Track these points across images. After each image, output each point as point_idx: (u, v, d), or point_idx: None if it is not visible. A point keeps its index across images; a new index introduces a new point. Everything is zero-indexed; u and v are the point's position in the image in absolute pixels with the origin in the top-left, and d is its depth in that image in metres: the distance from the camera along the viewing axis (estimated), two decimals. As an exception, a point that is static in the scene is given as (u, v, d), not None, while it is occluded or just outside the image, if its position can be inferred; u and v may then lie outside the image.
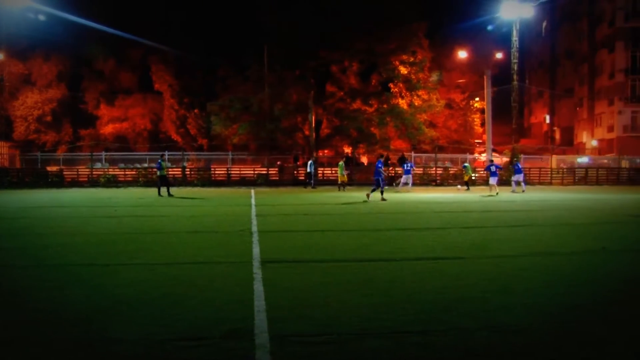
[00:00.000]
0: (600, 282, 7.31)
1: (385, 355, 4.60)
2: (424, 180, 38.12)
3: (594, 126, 63.53)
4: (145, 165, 38.76)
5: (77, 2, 45.77)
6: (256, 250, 9.64)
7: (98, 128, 60.25)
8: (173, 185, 34.62)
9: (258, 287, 6.83)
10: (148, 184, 34.78)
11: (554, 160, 44.98)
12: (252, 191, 29.88)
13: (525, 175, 31.28)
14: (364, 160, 45.55)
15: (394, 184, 32.06)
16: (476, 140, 62.24)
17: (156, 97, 60.26)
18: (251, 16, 43.20)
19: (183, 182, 35.64)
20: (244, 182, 36.69)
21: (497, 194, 26.54)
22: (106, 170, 37.07)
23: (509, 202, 22.30)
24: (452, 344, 4.83)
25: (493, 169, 28.40)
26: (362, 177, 37.90)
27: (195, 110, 56.91)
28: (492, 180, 28.06)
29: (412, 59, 42.26)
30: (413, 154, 43.70)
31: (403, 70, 42.08)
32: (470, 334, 5.09)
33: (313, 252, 9.59)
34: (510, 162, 38.75)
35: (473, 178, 32.68)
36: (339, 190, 30.18)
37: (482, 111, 52.77)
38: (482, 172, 38.35)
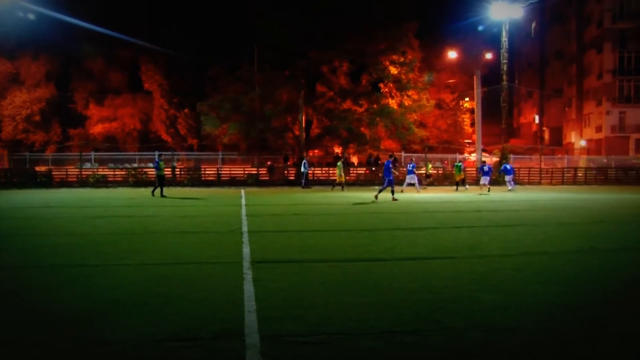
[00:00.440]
0: (589, 281, 7.36)
1: (376, 355, 4.61)
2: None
3: (582, 126, 63.97)
4: (135, 165, 38.60)
5: (66, 1, 45.55)
6: (246, 250, 9.63)
7: (87, 128, 59.99)
8: (164, 185, 34.58)
9: (248, 287, 6.83)
10: (138, 184, 34.62)
11: (584, 160, 45.55)
12: (243, 191, 29.82)
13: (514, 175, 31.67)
14: (354, 160, 45.57)
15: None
16: (466, 140, 62.45)
17: (146, 97, 60.05)
18: (242, 16, 43.15)
19: (173, 182, 35.49)
20: (234, 182, 36.60)
21: (488, 191, 27.95)
22: (95, 170, 36.85)
23: (499, 202, 22.40)
24: (444, 344, 4.84)
25: (486, 169, 29.81)
26: (350, 178, 38.01)
27: (185, 110, 56.76)
28: (484, 180, 29.27)
29: (402, 59, 42.33)
30: (403, 154, 43.76)
31: (393, 70, 42.14)
32: (461, 333, 5.11)
33: (303, 252, 9.59)
34: (500, 163, 38.91)
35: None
36: (341, 190, 30.27)
37: (472, 111, 52.93)
38: (470, 171, 38.52)
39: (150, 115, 60.71)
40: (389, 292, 6.65)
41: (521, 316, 5.66)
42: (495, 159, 42.73)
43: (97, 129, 59.42)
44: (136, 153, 45.22)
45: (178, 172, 37.00)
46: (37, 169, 37.69)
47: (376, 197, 22.42)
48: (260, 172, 38.22)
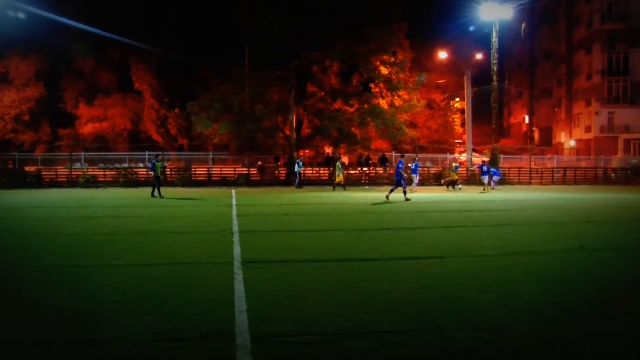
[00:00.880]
0: (579, 281, 7.42)
1: (366, 354, 4.63)
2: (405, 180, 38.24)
3: (572, 126, 64.34)
4: (125, 165, 38.44)
5: (55, 0, 45.25)
6: (237, 250, 9.63)
7: (77, 128, 59.65)
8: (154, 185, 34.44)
9: (239, 287, 6.83)
10: (128, 184, 34.50)
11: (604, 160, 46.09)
12: (233, 191, 29.79)
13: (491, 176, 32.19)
14: (345, 160, 45.59)
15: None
16: (456, 140, 62.66)
17: (136, 96, 59.82)
18: (232, 16, 43.00)
19: (164, 182, 35.35)
20: (225, 182, 36.54)
21: (484, 190, 29.47)
22: (85, 170, 36.65)
23: (489, 201, 22.49)
24: (433, 343, 4.87)
25: (485, 168, 31.43)
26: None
27: (176, 110, 56.56)
28: (484, 179, 30.73)
29: (392, 59, 42.36)
30: (394, 154, 43.84)
31: (384, 70, 42.17)
32: (451, 333, 5.14)
33: (294, 252, 9.60)
34: (490, 163, 39.09)
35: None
36: (342, 189, 30.32)
37: (462, 111, 53.15)
38: (461, 172, 38.67)
39: (141, 115, 60.48)
40: (379, 291, 6.67)
41: (511, 315, 5.70)
42: (485, 158, 42.91)
43: (87, 128, 59.11)
44: (126, 153, 45.03)
45: (169, 172, 36.86)
46: (27, 169, 37.45)
47: (387, 197, 22.25)
48: (250, 172, 38.18)
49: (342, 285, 7.01)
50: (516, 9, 44.10)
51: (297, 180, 33.82)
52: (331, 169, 39.08)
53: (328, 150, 44.85)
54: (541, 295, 6.52)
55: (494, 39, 41.09)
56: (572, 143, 62.79)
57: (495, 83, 42.09)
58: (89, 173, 35.89)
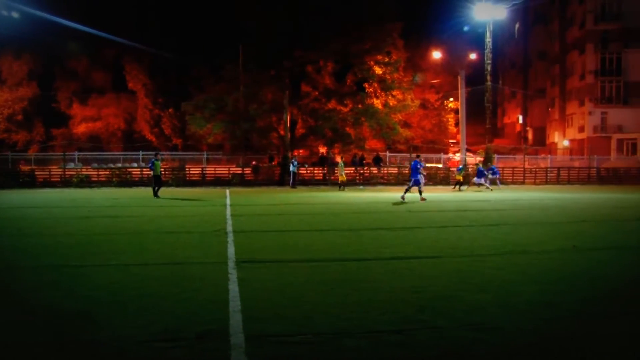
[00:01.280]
0: (571, 280, 7.43)
1: (361, 354, 4.62)
2: (399, 180, 38.33)
3: (565, 126, 64.56)
4: (119, 165, 38.33)
5: (49, 0, 45.07)
6: (231, 250, 9.61)
7: (71, 127, 59.52)
8: (147, 185, 34.31)
9: (233, 287, 6.82)
10: (122, 184, 34.41)
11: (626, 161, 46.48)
12: (227, 191, 29.75)
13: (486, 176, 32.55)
14: (339, 159, 45.59)
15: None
16: (450, 140, 62.81)
17: (130, 96, 59.72)
18: (226, 16, 43.02)
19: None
20: (219, 182, 36.50)
21: (486, 188, 31.20)
22: (79, 170, 36.53)
23: (484, 201, 22.54)
24: (429, 343, 4.87)
25: (495, 168, 33.72)
26: (335, 177, 38.04)
27: (170, 110, 56.48)
28: (492, 178, 32.66)
29: (386, 59, 42.44)
30: (388, 154, 43.92)
31: (378, 70, 42.25)
32: (446, 332, 5.14)
33: (288, 252, 9.59)
34: (484, 163, 39.20)
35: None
36: (339, 189, 30.38)
37: (456, 111, 53.28)
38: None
39: (135, 115, 60.37)
40: (374, 291, 6.67)
41: (507, 315, 5.70)
42: (479, 158, 43.02)
43: (80, 128, 58.96)
44: (120, 153, 44.94)
45: (163, 172, 36.72)
46: (20, 168, 37.30)
47: (403, 197, 22.09)
48: (245, 171, 38.15)
49: (337, 285, 7.00)
50: (510, 9, 44.23)
51: (291, 180, 33.85)
52: (325, 169, 39.13)
53: (322, 150, 44.86)
54: (537, 295, 6.53)
55: (488, 39, 41.19)
56: (566, 143, 62.99)
57: (489, 83, 42.20)
58: (83, 173, 35.78)
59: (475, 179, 32.39)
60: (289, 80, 40.81)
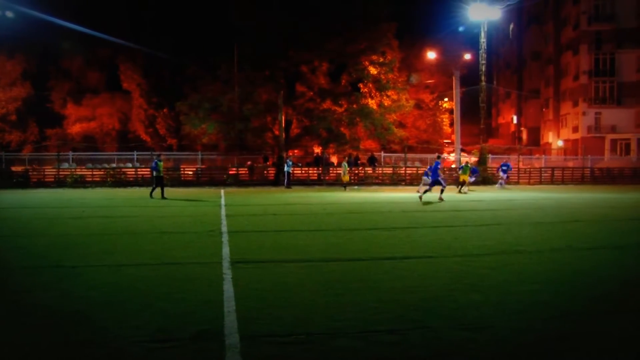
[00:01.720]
0: (566, 280, 7.47)
1: (355, 354, 4.64)
2: (394, 180, 38.40)
3: (559, 127, 64.77)
4: (114, 165, 38.25)
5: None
6: (226, 250, 9.62)
7: (65, 127, 59.31)
8: (142, 185, 34.26)
9: (228, 287, 6.83)
10: (116, 184, 34.33)
11: None
12: (222, 191, 29.73)
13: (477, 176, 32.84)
14: (334, 160, 45.62)
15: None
16: (445, 140, 62.87)
17: (124, 96, 59.55)
18: (221, 16, 42.96)
19: (152, 182, 35.18)
20: (214, 182, 36.47)
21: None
22: (73, 170, 36.43)
23: (478, 201, 22.59)
24: (422, 343, 4.89)
25: (504, 167, 33.78)
26: (330, 178, 38.14)
27: (164, 110, 56.33)
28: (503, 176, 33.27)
29: (381, 60, 42.48)
30: (383, 154, 43.95)
31: (373, 70, 42.28)
32: (439, 332, 5.16)
33: (283, 253, 9.60)
34: (478, 163, 39.29)
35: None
36: (343, 190, 30.42)
37: (451, 111, 53.35)
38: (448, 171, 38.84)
39: (129, 114, 60.21)
40: (367, 291, 6.69)
41: (499, 314, 5.74)
42: (474, 158, 43.09)
43: (75, 128, 58.77)
44: (115, 153, 44.81)
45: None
46: (14, 169, 37.16)
47: (420, 197, 22.06)
48: (239, 172, 38.12)
49: (331, 285, 7.02)
50: (504, 9, 44.33)
51: (286, 180, 33.87)
52: (320, 169, 39.17)
53: (317, 150, 44.86)
54: (530, 295, 6.56)
55: (483, 39, 41.26)
56: (560, 143, 63.19)
57: (483, 83, 42.28)
58: (77, 173, 35.68)
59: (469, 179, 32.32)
60: (283, 80, 40.82)
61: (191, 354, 4.63)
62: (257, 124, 41.06)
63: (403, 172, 39.68)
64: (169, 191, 26.10)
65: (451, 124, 55.12)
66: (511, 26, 78.32)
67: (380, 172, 39.77)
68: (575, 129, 59.52)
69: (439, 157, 24.15)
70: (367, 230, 12.72)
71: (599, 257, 9.36)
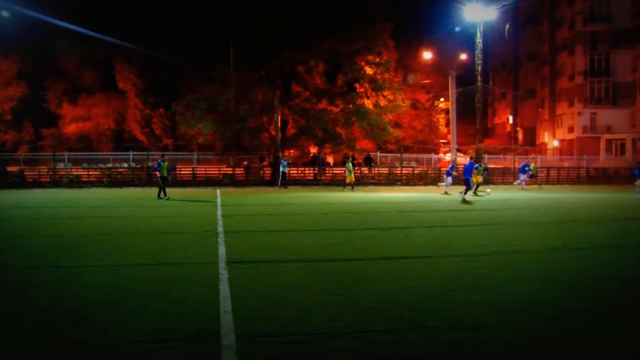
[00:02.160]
0: (562, 279, 7.48)
1: (351, 354, 4.64)
2: (390, 180, 38.42)
3: (555, 127, 64.90)
4: (109, 165, 38.16)
5: (38, -1, 44.78)
6: (222, 250, 9.60)
7: (60, 127, 59.17)
8: (138, 185, 34.22)
9: (224, 287, 6.82)
10: (112, 184, 34.25)
11: None
12: (218, 191, 29.69)
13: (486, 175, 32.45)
14: (330, 160, 45.61)
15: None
16: (441, 140, 62.98)
17: (120, 96, 59.45)
18: (217, 16, 42.90)
19: (148, 182, 35.19)
20: (210, 182, 36.42)
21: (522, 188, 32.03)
22: (69, 170, 36.33)
23: (474, 201, 22.60)
24: (419, 343, 4.89)
25: (527, 168, 33.31)
26: (326, 177, 38.12)
27: (160, 110, 56.26)
28: (523, 177, 32.81)
29: (377, 60, 42.46)
30: (379, 154, 43.98)
31: (369, 70, 42.26)
32: (436, 332, 5.16)
33: (279, 253, 9.59)
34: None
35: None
36: (351, 190, 30.35)
37: (447, 111, 53.40)
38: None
39: (125, 114, 60.12)
40: (364, 291, 6.69)
41: (495, 314, 5.74)
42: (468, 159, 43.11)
43: (70, 128, 58.64)
44: (110, 153, 44.74)
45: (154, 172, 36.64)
46: (9, 169, 37.03)
47: (463, 199, 22.13)
48: (236, 172, 38.09)
49: (328, 285, 7.01)
50: (500, 10, 44.40)
51: (280, 180, 33.81)
52: (316, 169, 39.16)
53: (313, 150, 44.84)
54: (527, 295, 6.57)
55: (478, 39, 41.31)
56: (556, 143, 63.33)
57: (479, 83, 42.32)
58: (73, 173, 35.58)
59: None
60: (279, 80, 40.77)
61: (188, 354, 4.61)
62: (253, 124, 41.00)
63: (399, 172, 39.70)
64: (168, 191, 25.98)
65: (447, 124, 55.18)
66: (507, 26, 78.47)
67: (376, 172, 39.79)
68: (570, 129, 59.65)
69: (472, 159, 25.17)
70: (364, 230, 12.71)
71: (596, 257, 9.38)
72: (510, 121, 78.49)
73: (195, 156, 40.21)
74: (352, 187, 31.12)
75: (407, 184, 37.85)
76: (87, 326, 5.33)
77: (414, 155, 45.97)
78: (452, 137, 42.88)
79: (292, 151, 46.56)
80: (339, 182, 36.89)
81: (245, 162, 39.79)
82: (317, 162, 40.53)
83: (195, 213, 17.59)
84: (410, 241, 10.95)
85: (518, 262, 8.64)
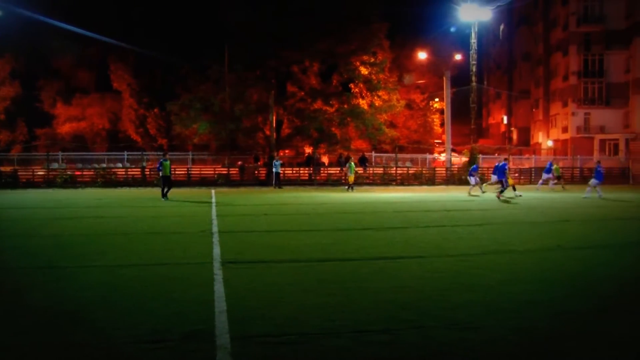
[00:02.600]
0: (557, 279, 7.50)
1: (346, 354, 4.64)
2: (385, 180, 38.44)
3: (549, 127, 65.08)
4: (104, 165, 38.04)
5: (32, -2, 44.58)
6: (217, 250, 9.59)
7: (55, 127, 58.95)
8: (133, 185, 34.11)
9: (219, 288, 6.81)
10: (107, 184, 34.13)
11: None
12: (213, 191, 29.64)
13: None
14: (325, 160, 45.61)
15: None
16: (436, 141, 63.07)
17: (115, 96, 59.28)
18: (212, 15, 42.82)
19: (143, 182, 35.09)
20: (205, 182, 36.34)
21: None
22: (63, 170, 36.19)
23: (468, 201, 22.66)
24: (413, 342, 4.89)
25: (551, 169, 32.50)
26: (321, 178, 38.13)
27: (155, 110, 56.14)
28: (545, 177, 32.52)
29: (372, 60, 42.49)
30: (374, 154, 44.00)
31: (364, 70, 42.28)
32: (431, 332, 5.17)
33: (274, 253, 9.58)
34: (470, 163, 39.37)
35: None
36: (351, 190, 30.25)
37: (442, 112, 53.51)
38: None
39: (119, 114, 59.97)
40: (360, 291, 6.69)
41: (491, 314, 5.75)
42: (464, 159, 43.21)
43: (64, 128, 58.44)
44: (105, 153, 44.55)
45: (148, 172, 36.59)
46: (2, 169, 36.85)
47: (507, 198, 22.82)
48: (230, 172, 38.03)
49: (323, 285, 7.01)
50: (495, 10, 44.51)
51: (274, 180, 33.75)
52: (311, 169, 39.16)
53: (308, 150, 44.83)
54: (522, 294, 6.59)
55: (473, 40, 41.42)
56: (550, 143, 63.49)
57: (474, 84, 42.42)
58: (67, 173, 35.44)
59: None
60: (274, 81, 40.75)
61: (182, 355, 4.61)
62: (248, 124, 40.96)
63: (394, 172, 39.73)
64: (158, 191, 25.93)
65: (442, 124, 55.30)
66: (501, 27, 78.66)
67: (371, 172, 39.80)
68: (564, 129, 59.82)
69: (506, 160, 25.67)
70: (359, 231, 12.72)
71: (590, 256, 9.42)
72: (505, 121, 78.67)
73: (190, 156, 40.13)
74: (352, 188, 31.04)
75: (402, 184, 37.87)
76: (85, 326, 5.32)
77: (408, 155, 45.97)
78: (447, 137, 42.98)
79: (287, 151, 46.53)
80: (333, 183, 36.90)
81: (239, 162, 39.74)
82: (312, 162, 40.53)
83: (190, 213, 17.57)
84: (406, 241, 10.96)
85: (513, 262, 8.66)
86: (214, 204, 20.69)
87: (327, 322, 5.42)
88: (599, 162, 28.34)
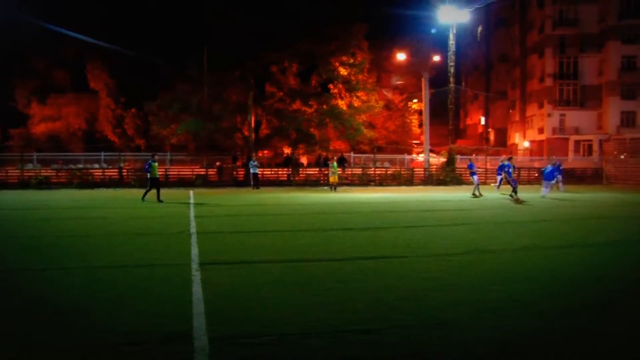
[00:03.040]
0: (535, 278, 7.54)
1: (327, 354, 4.60)
2: (363, 181, 38.51)
3: (525, 128, 65.85)
4: (80, 166, 37.55)
5: (5, -4, 43.90)
6: (195, 251, 9.50)
7: (29, 127, 58.08)
8: (110, 186, 33.72)
9: (197, 289, 6.74)
10: (83, 185, 33.69)
11: None
12: (191, 192, 29.42)
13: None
14: (304, 161, 45.58)
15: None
16: (414, 141, 63.36)
17: (92, 96, 58.58)
18: (191, 15, 42.55)
19: (120, 183, 34.72)
20: (183, 183, 36.06)
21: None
22: (38, 171, 35.63)
23: (449, 201, 22.78)
24: (395, 342, 4.87)
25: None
26: (300, 178, 38.04)
27: (133, 110, 55.59)
28: (556, 180, 30.44)
29: (351, 60, 42.61)
30: (352, 155, 44.08)
31: (343, 71, 42.37)
32: (414, 331, 5.16)
33: (252, 253, 9.52)
34: (447, 164, 39.66)
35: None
36: (333, 190, 30.18)
37: (420, 112, 53.78)
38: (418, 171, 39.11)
39: (96, 115, 59.28)
40: (340, 291, 6.66)
41: (471, 313, 5.75)
42: (442, 159, 43.49)
43: (39, 128, 57.62)
44: (81, 154, 43.99)
45: (125, 173, 36.21)
46: None
47: (517, 199, 23.14)
48: (209, 172, 37.80)
49: (303, 286, 6.98)
50: (473, 12, 44.88)
51: (252, 181, 33.58)
52: (290, 169, 39.09)
53: (287, 151, 44.78)
54: (499, 293, 6.61)
55: (452, 41, 41.70)
56: (526, 144, 64.27)
57: (452, 85, 42.71)
58: (42, 174, 34.89)
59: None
60: (253, 81, 40.64)
61: (160, 357, 4.54)
62: (226, 124, 40.79)
63: (372, 172, 39.82)
64: (139, 193, 25.64)
65: (420, 125, 55.57)
66: (479, 29, 79.35)
67: (349, 172, 39.84)
68: (540, 130, 60.57)
69: (510, 159, 26.50)
70: (338, 231, 12.70)
71: (568, 255, 9.49)
72: (482, 122, 79.37)
73: (168, 157, 39.80)
74: (334, 188, 31.03)
75: (381, 184, 37.95)
76: (58, 330, 5.22)
77: (387, 156, 46.15)
78: (426, 137, 43.17)
79: (265, 152, 46.43)
80: (312, 183, 36.84)
81: (218, 163, 39.53)
82: (291, 162, 40.47)
83: (168, 214, 17.40)
84: (387, 241, 10.97)
85: (494, 261, 8.70)
86: (192, 205, 20.54)
87: (308, 322, 5.38)
88: (555, 162, 28.87)
